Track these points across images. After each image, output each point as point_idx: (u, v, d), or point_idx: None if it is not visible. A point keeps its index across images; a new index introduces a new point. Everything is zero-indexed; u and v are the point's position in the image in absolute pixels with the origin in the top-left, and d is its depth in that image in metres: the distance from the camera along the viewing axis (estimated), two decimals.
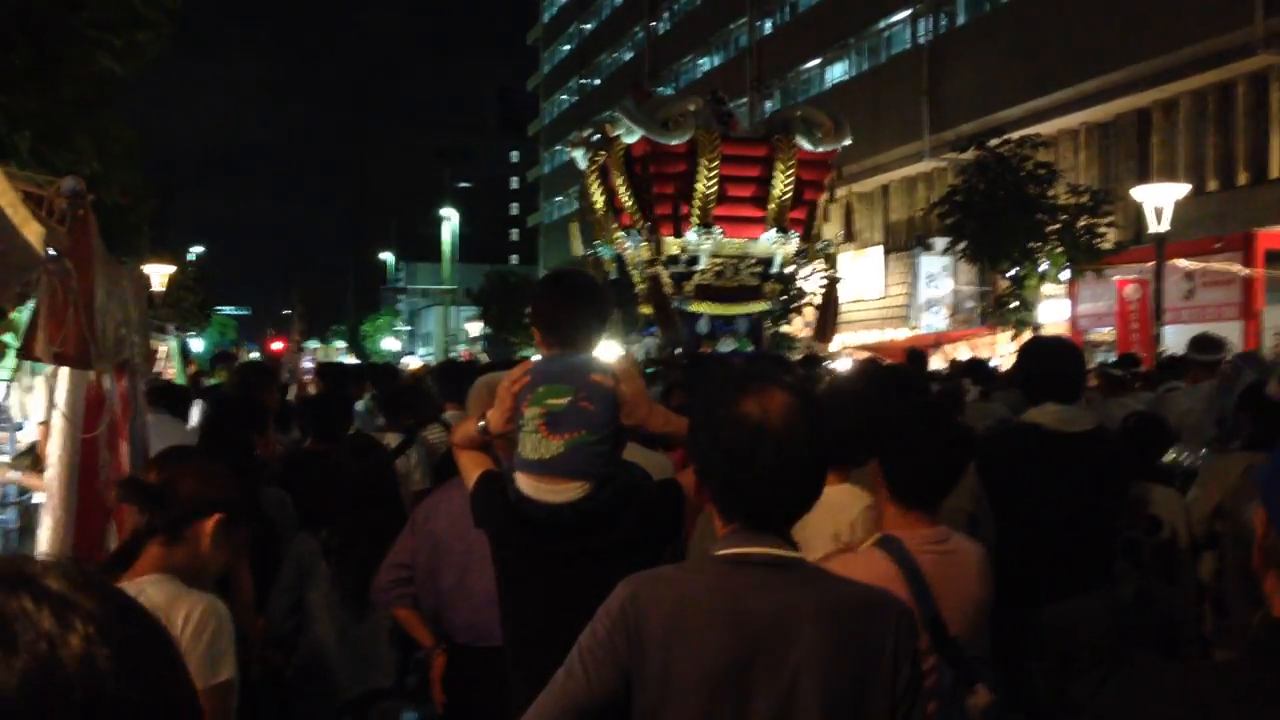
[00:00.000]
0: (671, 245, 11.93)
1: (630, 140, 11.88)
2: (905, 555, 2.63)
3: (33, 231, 2.38)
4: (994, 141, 20.76)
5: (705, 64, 44.14)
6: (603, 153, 12.25)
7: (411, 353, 65.63)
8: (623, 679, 1.83)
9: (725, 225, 11.95)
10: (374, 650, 3.94)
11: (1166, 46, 21.74)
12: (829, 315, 12.99)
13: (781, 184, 11.81)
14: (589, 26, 58.39)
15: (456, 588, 3.47)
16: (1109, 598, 3.96)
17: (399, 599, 3.61)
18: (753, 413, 1.88)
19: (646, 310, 12.32)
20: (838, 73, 34.83)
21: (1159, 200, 15.04)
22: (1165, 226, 15.07)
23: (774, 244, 12.16)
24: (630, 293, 12.67)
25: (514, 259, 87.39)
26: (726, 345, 12.01)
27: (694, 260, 11.99)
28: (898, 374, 5.30)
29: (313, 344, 63.63)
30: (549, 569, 2.67)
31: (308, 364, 15.79)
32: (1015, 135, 21.14)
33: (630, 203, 12.17)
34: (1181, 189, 15.85)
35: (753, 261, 12.27)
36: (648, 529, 2.67)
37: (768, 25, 39.05)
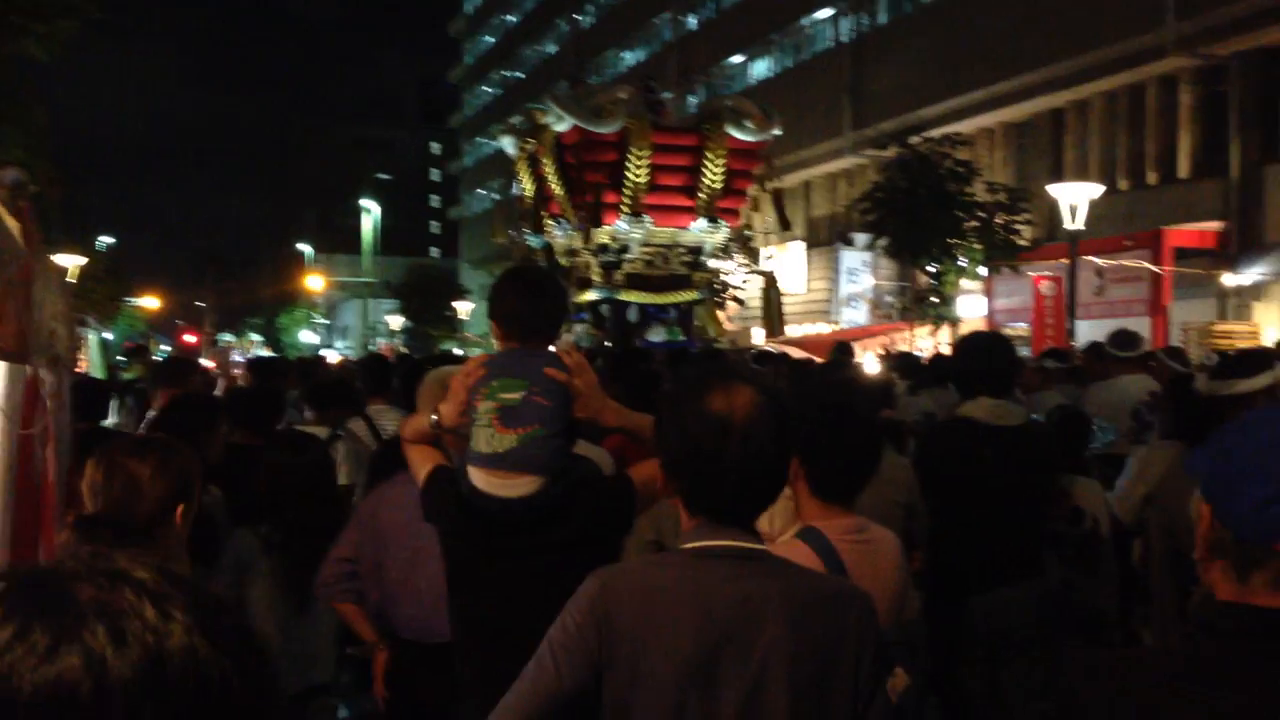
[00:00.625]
0: (601, 234, 11.92)
1: (561, 128, 11.84)
2: (826, 545, 2.69)
3: (12, 224, 2.32)
4: (915, 139, 21.10)
5: (629, 58, 44.18)
6: (532, 140, 12.20)
7: (330, 346, 64.74)
8: (593, 671, 1.86)
9: (655, 214, 11.98)
10: (315, 646, 3.90)
11: (1080, 49, 22.28)
12: (774, 310, 13.10)
13: (712, 173, 11.87)
14: (512, 19, 58.06)
15: (402, 583, 3.45)
16: (1038, 587, 4.08)
17: (343, 594, 3.59)
18: (720, 408, 1.92)
19: (578, 299, 12.29)
20: (761, 69, 35.13)
21: (1074, 198, 15.41)
22: (1080, 224, 15.45)
23: (704, 233, 12.23)
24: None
25: (434, 252, 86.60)
26: (657, 334, 12.05)
27: (624, 249, 12.00)
28: (832, 371, 5.40)
29: (226, 337, 62.50)
30: (500, 563, 2.68)
31: (237, 358, 15.61)
32: (936, 133, 21.50)
33: (560, 191, 12.14)
34: (1096, 188, 16.26)
35: (682, 250, 12.33)
36: (599, 524, 2.69)
37: (692, 20, 39.20)
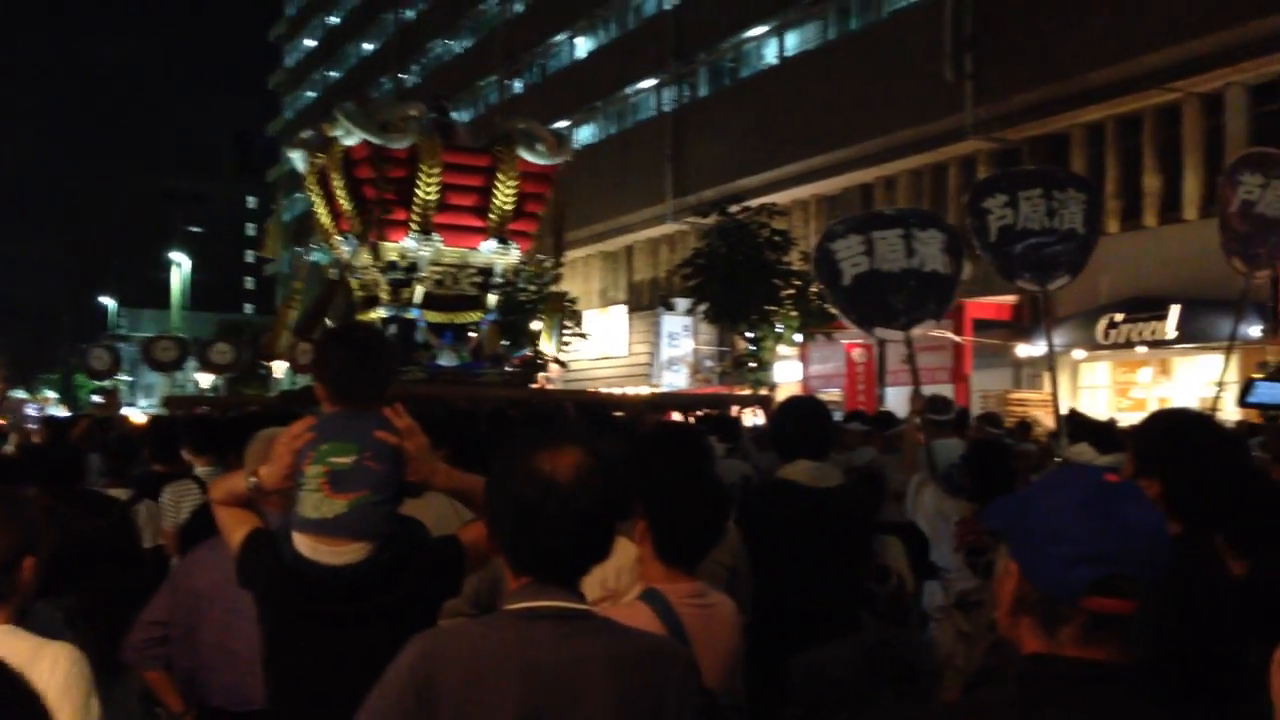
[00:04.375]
0: (390, 251, 11.73)
1: (350, 143, 11.62)
2: (668, 609, 2.72)
3: None
4: (734, 208, 21.72)
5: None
6: (321, 155, 11.93)
7: (133, 404, 61.64)
8: None
9: (445, 234, 11.87)
10: (126, 714, 3.69)
11: (888, 128, 23.48)
12: (555, 330, 13.06)
13: (503, 195, 11.87)
14: (334, 74, 57.31)
15: (217, 647, 3.31)
16: (858, 644, 4.19)
17: (152, 660, 3.40)
18: (542, 468, 1.95)
19: (367, 317, 12.07)
20: (586, 134, 35.63)
21: None
22: None
23: (494, 254, 12.21)
24: (350, 298, 12.47)
25: (248, 308, 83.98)
26: (447, 358, 11.91)
27: (413, 267, 11.85)
28: (676, 432, 5.47)
29: (18, 393, 58.82)
30: (322, 630, 2.59)
31: (31, 412, 14.79)
32: (754, 203, 22.19)
33: (349, 206, 11.90)
34: None
35: (472, 271, 12.25)
36: (427, 588, 2.65)
37: (518, 84, 39.52)
